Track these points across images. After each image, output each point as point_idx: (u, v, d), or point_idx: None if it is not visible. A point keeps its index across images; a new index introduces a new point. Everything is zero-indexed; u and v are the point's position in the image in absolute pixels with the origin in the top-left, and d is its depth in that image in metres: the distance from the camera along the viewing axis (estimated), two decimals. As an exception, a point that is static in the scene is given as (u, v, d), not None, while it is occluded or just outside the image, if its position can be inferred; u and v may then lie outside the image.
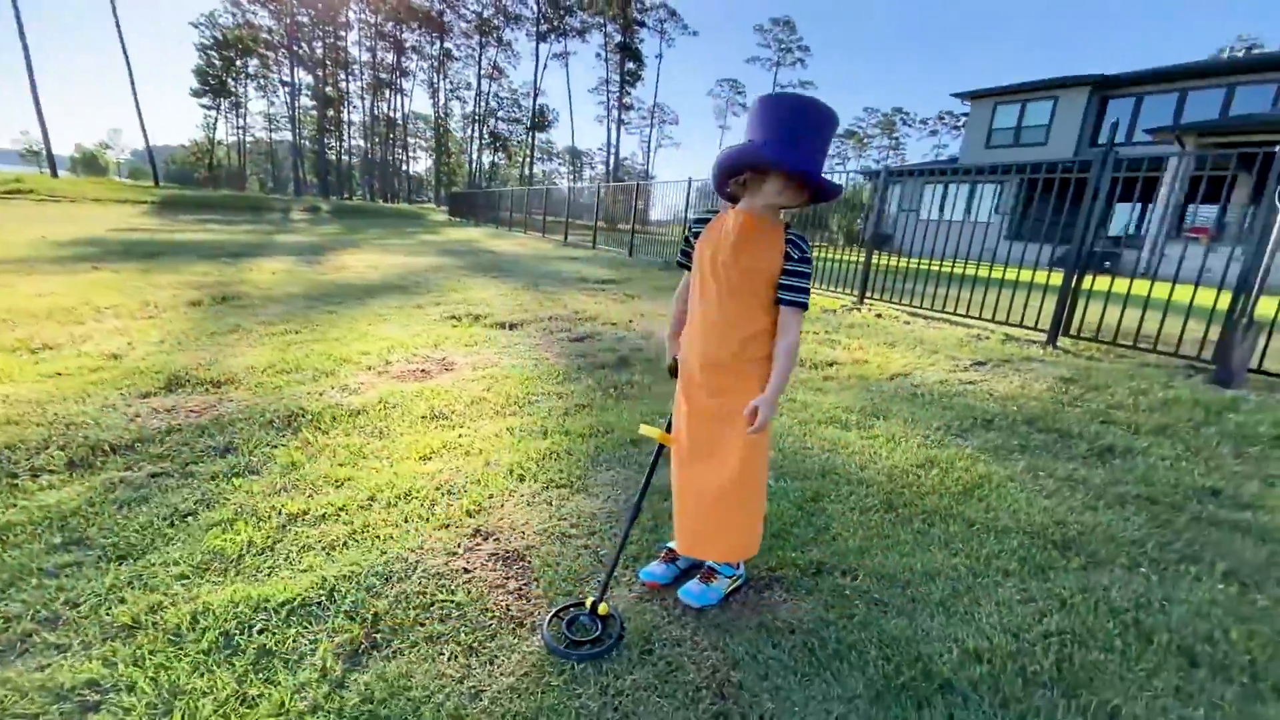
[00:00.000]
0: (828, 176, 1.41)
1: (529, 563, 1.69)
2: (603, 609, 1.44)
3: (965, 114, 23.79)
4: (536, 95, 49.88)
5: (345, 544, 1.77)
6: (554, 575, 1.63)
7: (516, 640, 1.40)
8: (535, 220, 16.60)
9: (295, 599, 1.52)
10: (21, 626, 1.40)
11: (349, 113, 50.11)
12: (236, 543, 1.75)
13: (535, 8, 47.17)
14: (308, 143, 49.55)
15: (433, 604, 1.52)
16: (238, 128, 52.85)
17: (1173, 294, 4.05)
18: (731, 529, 1.48)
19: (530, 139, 52.53)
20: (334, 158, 50.48)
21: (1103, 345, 4.25)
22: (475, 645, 1.39)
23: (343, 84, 48.21)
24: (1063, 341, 4.36)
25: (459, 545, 1.77)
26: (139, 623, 1.43)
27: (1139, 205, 17.12)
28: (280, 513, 1.92)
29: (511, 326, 4.64)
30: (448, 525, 1.88)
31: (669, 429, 1.59)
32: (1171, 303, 4.13)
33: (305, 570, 1.64)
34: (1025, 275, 6.47)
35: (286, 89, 46.43)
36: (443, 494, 2.07)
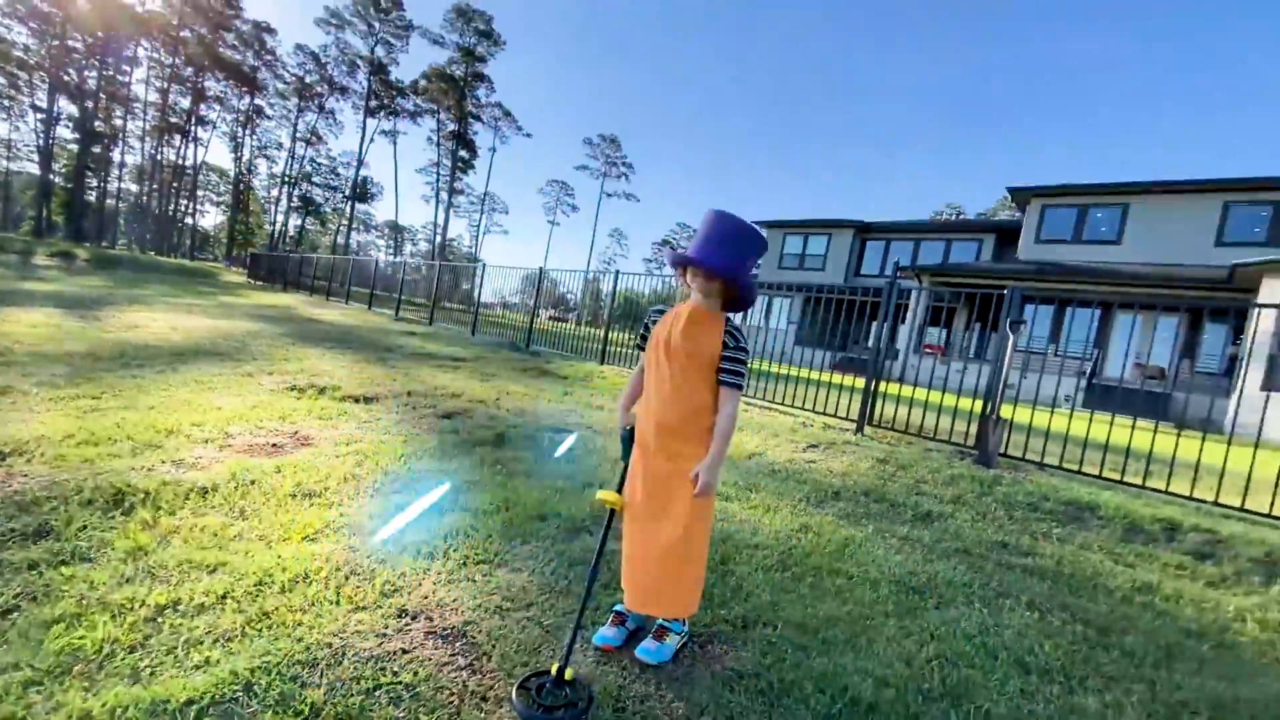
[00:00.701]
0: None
1: (472, 639, 1.63)
2: (569, 674, 1.45)
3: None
4: (360, 166, 48.06)
5: (244, 635, 1.55)
6: (504, 649, 1.60)
7: (484, 715, 1.36)
8: (357, 292, 15.63)
9: (203, 696, 1.31)
10: None
11: (122, 153, 43.51)
12: (94, 640, 1.46)
13: (365, 84, 46.37)
14: (59, 179, 41.68)
15: (377, 688, 1.41)
16: (-44, 151, 42.77)
17: (942, 398, 5.22)
18: (681, 585, 1.61)
19: (349, 209, 49.90)
20: (93, 199, 42.93)
21: (896, 433, 5.21)
22: (440, 724, 1.31)
23: (118, 120, 42.06)
24: (868, 430, 5.26)
25: (386, 627, 1.65)
26: None
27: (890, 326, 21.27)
28: (142, 604, 1.63)
29: (366, 400, 4.34)
30: (364, 608, 1.74)
31: (619, 492, 1.70)
32: (940, 404, 5.26)
33: (201, 666, 1.42)
34: (811, 374, 7.74)
35: (40, 115, 39.17)
36: (345, 575, 1.90)
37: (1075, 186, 17.46)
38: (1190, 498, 3.75)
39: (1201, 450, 3.91)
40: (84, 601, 1.61)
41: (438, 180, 50.99)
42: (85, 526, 2.03)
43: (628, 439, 1.72)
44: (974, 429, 4.92)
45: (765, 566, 2.24)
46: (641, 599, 1.62)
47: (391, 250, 56.99)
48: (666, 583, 1.60)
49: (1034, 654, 1.86)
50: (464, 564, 2.06)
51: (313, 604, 1.71)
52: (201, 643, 1.50)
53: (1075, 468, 4.29)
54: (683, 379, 1.63)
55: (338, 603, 1.74)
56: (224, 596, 1.71)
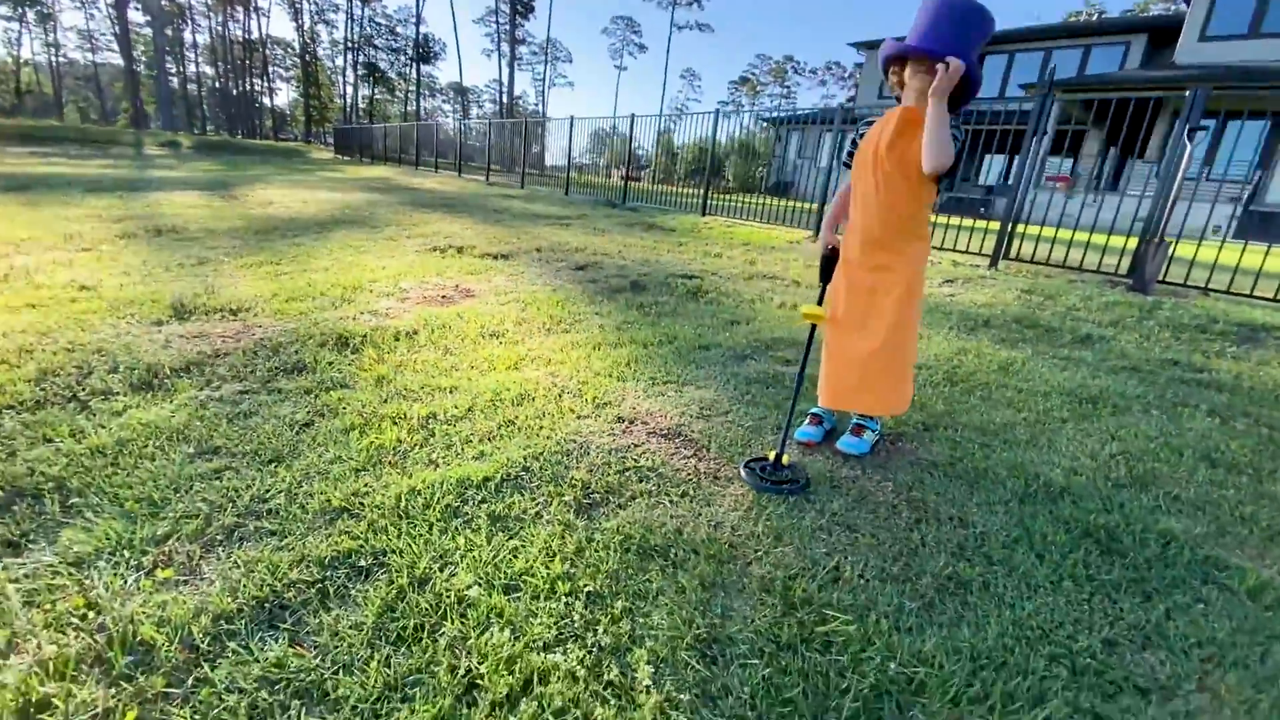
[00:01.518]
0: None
1: (688, 436, 1.89)
2: (785, 459, 1.68)
3: (858, 64, 25.00)
4: (419, 22, 46.10)
5: (501, 435, 1.87)
6: (719, 442, 1.85)
7: (719, 488, 1.62)
8: (442, 161, 15.76)
9: (496, 475, 1.63)
10: (221, 521, 1.42)
11: (193, 32, 43.79)
12: (390, 439, 1.81)
13: (412, -77, 42.94)
14: (142, 67, 42.88)
15: (625, 470, 1.69)
16: (48, 45, 44.60)
17: (1073, 234, 4.86)
18: (879, 387, 1.76)
19: (415, 71, 48.71)
20: (176, 85, 44.17)
21: (1035, 265, 4.96)
22: (687, 493, 1.59)
23: (182, -2, 41.89)
24: (1003, 264, 5.03)
25: (612, 429, 1.93)
26: (351, 507, 1.49)
27: (1006, 157, 19.13)
28: (409, 416, 1.97)
29: (504, 257, 4.61)
30: (586, 416, 2.02)
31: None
32: (1070, 240, 4.91)
33: (479, 457, 1.74)
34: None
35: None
36: (559, 393, 2.19)
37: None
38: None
39: None
40: (363, 414, 1.98)
41: (498, 29, 48.26)
42: (330, 363, 2.41)
43: (829, 258, 1.79)
44: (1121, 262, 4.61)
45: (933, 383, 2.36)
46: (843, 397, 1.79)
47: (459, 114, 55.88)
48: (865, 385, 1.75)
49: (1220, 451, 1.93)
50: (653, 383, 2.31)
51: (544, 414, 2.01)
52: (470, 441, 1.83)
53: (1247, 292, 4.00)
54: (888, 189, 1.64)
55: (562, 414, 2.03)
56: (469, 409, 2.04)
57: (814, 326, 1.79)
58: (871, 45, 23.05)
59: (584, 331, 2.94)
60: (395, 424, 1.92)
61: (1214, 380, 2.54)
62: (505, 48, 48.70)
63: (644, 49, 58.98)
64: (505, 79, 49.50)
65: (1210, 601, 1.29)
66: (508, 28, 47.97)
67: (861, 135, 1.73)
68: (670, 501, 1.55)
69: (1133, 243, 4.50)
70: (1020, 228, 5.18)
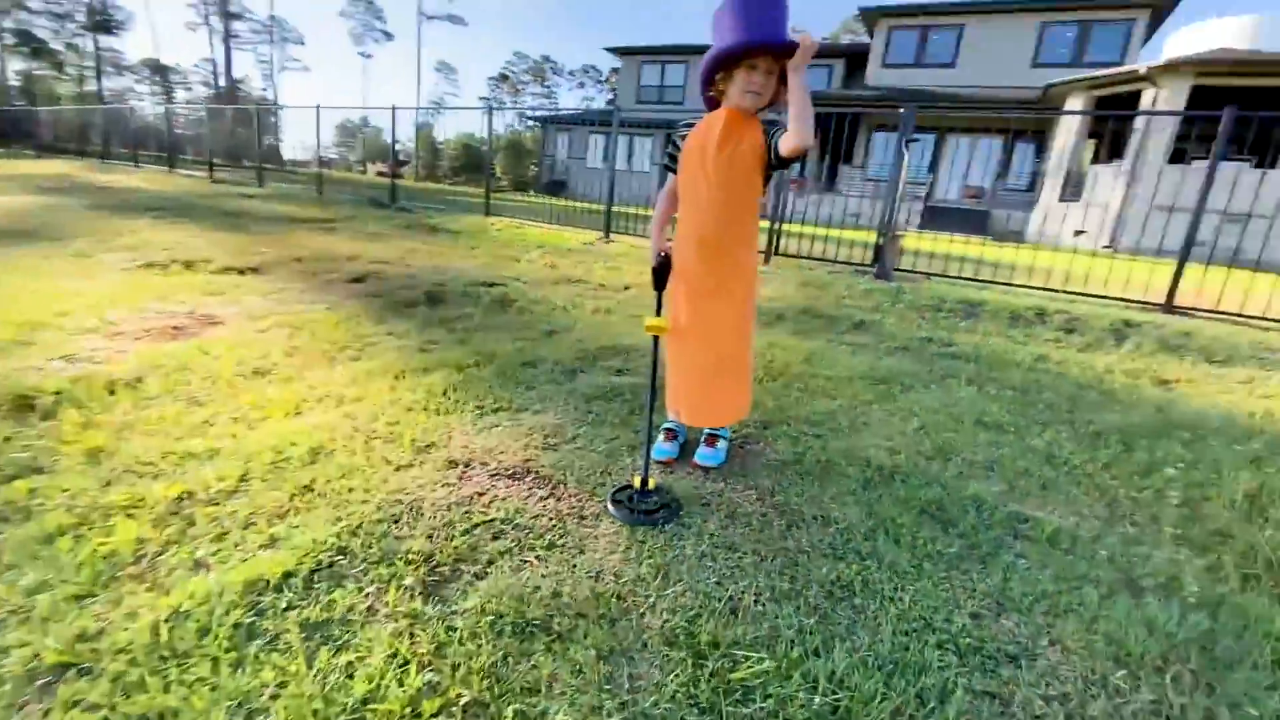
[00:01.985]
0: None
1: (538, 473, 1.67)
2: (651, 483, 1.56)
3: (614, 68, 26.21)
4: (90, -17, 37.08)
5: (297, 509, 1.47)
6: (576, 475, 1.66)
7: (589, 529, 1.45)
8: (142, 152, 12.86)
9: (301, 567, 1.26)
10: None
11: None
12: (123, 543, 1.31)
13: None
14: None
15: (474, 527, 1.43)
16: None
17: (814, 228, 5.68)
18: (732, 394, 1.74)
19: (93, 44, 39.17)
20: None
21: (797, 260, 5.60)
22: (554, 543, 1.39)
23: None
24: (774, 260, 5.60)
25: (445, 478, 1.63)
26: (79, 660, 1.03)
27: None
28: (149, 501, 1.46)
29: (253, 271, 3.81)
30: (408, 465, 1.69)
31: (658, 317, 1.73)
32: (813, 233, 5.72)
33: (274, 543, 1.34)
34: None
35: None
36: (364, 440, 1.81)
37: (919, 6, 17.96)
38: (1045, 288, 4.54)
39: (1036, 256, 4.67)
40: (75, 509, 1.42)
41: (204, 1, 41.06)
42: (8, 438, 1.71)
43: (663, 266, 1.71)
44: (856, 253, 5.44)
45: (757, 379, 2.45)
46: (698, 414, 1.73)
47: (162, 97, 46.35)
48: (719, 395, 1.71)
49: (987, 415, 2.29)
50: (481, 412, 2.03)
51: (350, 471, 1.63)
52: (253, 523, 1.40)
53: (955, 274, 4.96)
54: (721, 186, 1.60)
55: (375, 467, 1.67)
56: (242, 479, 1.57)
57: (657, 339, 1.70)
58: (628, 51, 24.34)
59: (379, 357, 2.52)
60: (131, 516, 1.40)
61: (961, 353, 3.06)
62: (216, 21, 41.65)
63: (389, 36, 54.80)
64: (221, 58, 42.41)
65: (1028, 555, 1.47)
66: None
67: (682, 137, 1.67)
68: (537, 558, 1.34)
69: (868, 236, 5.36)
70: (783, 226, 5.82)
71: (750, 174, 1.61)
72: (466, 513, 1.48)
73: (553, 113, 27.79)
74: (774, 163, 1.56)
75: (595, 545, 1.39)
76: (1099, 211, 12.22)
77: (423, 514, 1.46)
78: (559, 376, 2.38)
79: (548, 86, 69.94)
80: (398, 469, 1.67)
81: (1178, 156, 11.77)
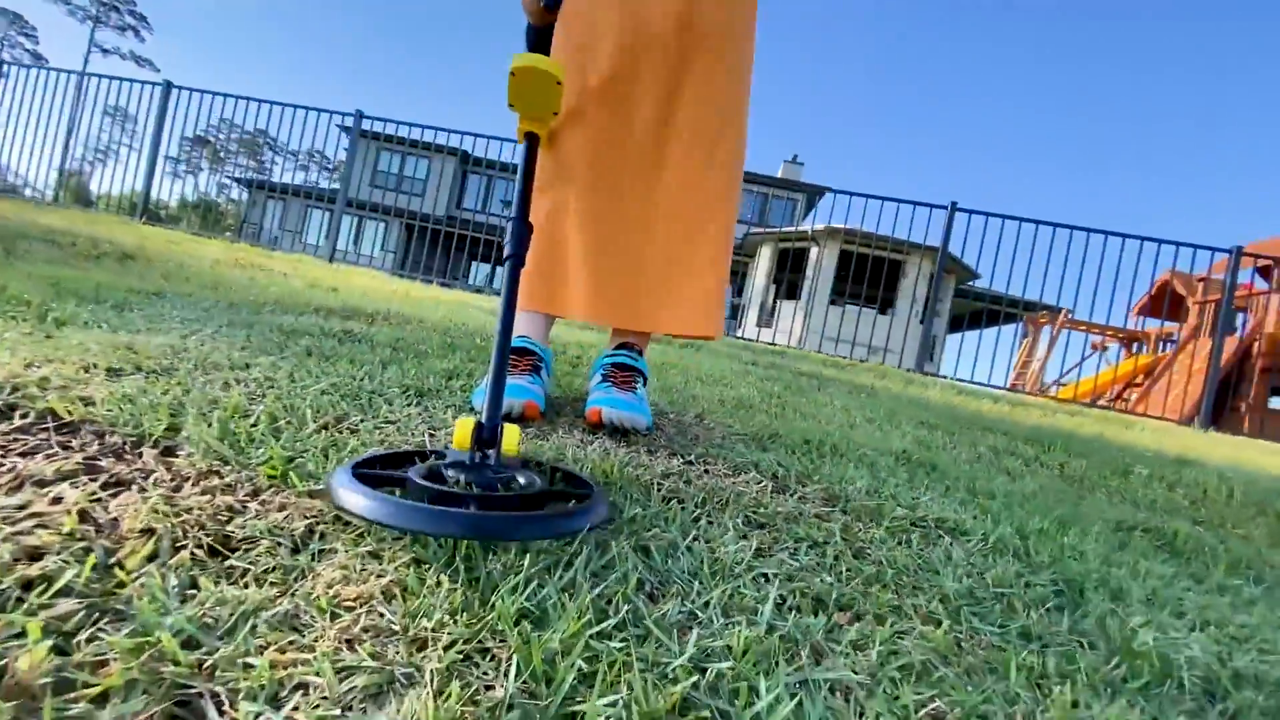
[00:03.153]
0: None
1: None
2: (512, 438, 0.73)
3: (346, 149, 24.62)
4: None
5: None
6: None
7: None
8: None
9: None
10: None
11: None
12: None
13: None
14: None
15: None
16: None
17: None
18: (705, 282, 1.18)
19: None
20: None
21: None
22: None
23: None
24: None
25: None
26: None
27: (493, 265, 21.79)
28: None
29: None
30: None
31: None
32: None
33: None
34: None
35: None
36: None
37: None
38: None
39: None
40: None
41: None
42: None
43: None
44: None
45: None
46: (634, 307, 1.15)
47: None
48: (686, 276, 1.16)
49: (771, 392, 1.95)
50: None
51: None
52: None
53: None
54: None
55: None
56: None
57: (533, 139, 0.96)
58: (361, 134, 23.11)
59: None
60: None
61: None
62: None
63: (42, 59, 44.13)
64: None
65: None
66: None
67: None
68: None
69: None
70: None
71: None
72: None
73: (264, 178, 24.59)
74: None
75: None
76: (784, 335, 14.72)
77: None
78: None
79: (260, 161, 63.02)
80: None
81: (835, 301, 14.97)
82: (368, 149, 23.16)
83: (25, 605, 0.40)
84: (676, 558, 0.65)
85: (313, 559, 0.52)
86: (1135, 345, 13.39)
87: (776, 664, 0.49)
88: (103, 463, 0.61)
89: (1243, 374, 11.19)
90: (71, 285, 1.60)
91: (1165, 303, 11.43)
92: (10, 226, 3.07)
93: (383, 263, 19.33)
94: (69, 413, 0.69)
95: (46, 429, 0.66)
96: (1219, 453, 3.30)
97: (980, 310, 12.75)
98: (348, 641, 0.42)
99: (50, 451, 0.61)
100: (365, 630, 0.44)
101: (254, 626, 0.42)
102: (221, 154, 61.62)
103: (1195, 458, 2.78)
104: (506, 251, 0.85)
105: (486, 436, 0.69)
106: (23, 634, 0.37)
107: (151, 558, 0.48)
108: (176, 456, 0.66)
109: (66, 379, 0.78)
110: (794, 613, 0.59)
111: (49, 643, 0.36)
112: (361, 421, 0.86)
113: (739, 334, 15.96)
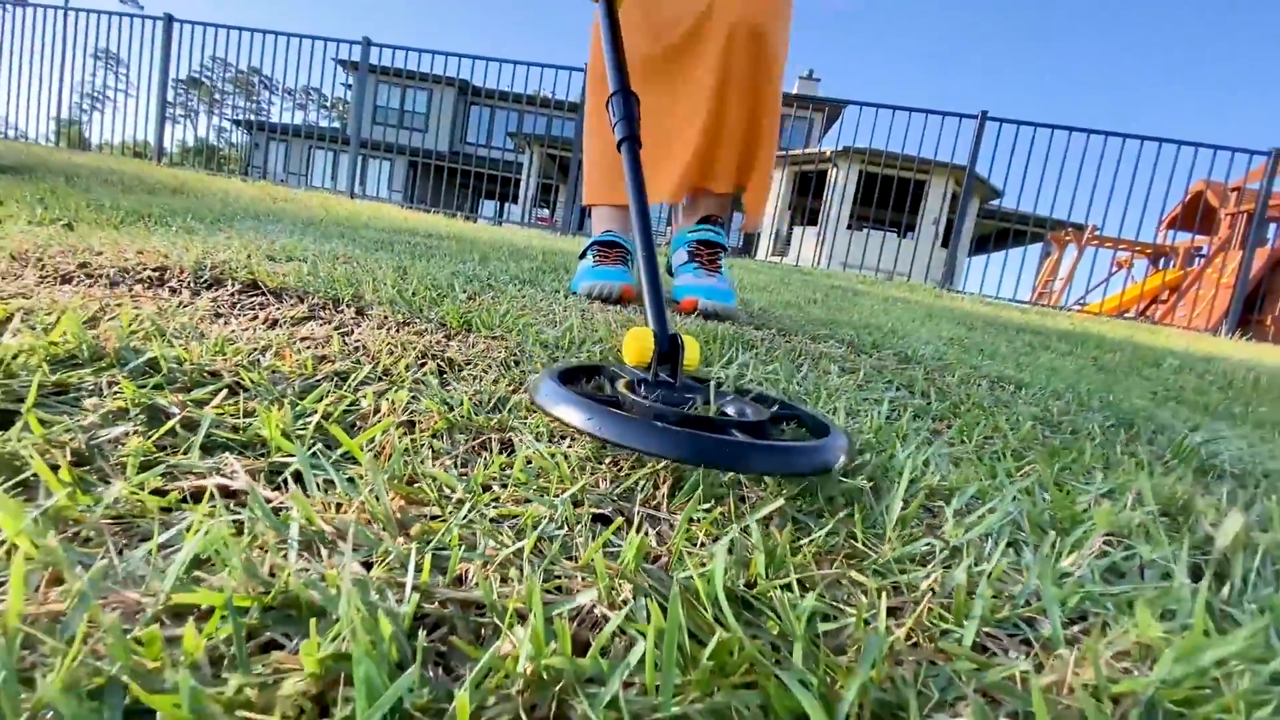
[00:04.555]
0: None
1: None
2: (693, 359, 0.68)
3: (346, 85, 23.93)
4: None
5: None
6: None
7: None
8: None
9: None
10: None
11: None
12: None
13: None
14: None
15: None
16: None
17: None
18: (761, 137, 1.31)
19: None
20: None
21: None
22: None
23: None
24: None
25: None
26: None
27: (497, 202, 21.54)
28: None
29: None
30: None
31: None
32: None
33: None
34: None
35: None
36: None
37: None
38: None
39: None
40: None
41: None
42: None
43: None
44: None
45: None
46: (720, 167, 1.27)
47: None
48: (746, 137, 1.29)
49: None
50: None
51: None
52: None
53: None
54: None
55: None
56: None
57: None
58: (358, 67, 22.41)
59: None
60: None
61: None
62: None
63: (25, 4, 42.58)
64: None
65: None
66: None
67: None
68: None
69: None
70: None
71: None
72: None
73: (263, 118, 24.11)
74: None
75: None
76: (802, 263, 14.65)
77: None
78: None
79: (257, 102, 61.45)
80: None
81: (853, 225, 14.76)
82: (367, 84, 22.57)
83: (349, 383, 0.54)
84: (793, 385, 0.78)
85: (523, 375, 0.65)
86: (1162, 261, 13.18)
87: (904, 437, 0.62)
88: (320, 315, 0.74)
89: (1272, 286, 11.06)
90: (159, 209, 1.71)
91: (1197, 215, 11.19)
92: (54, 163, 3.16)
93: (390, 202, 19.23)
94: (270, 282, 0.82)
95: (261, 292, 0.79)
96: (1244, 353, 3.39)
97: (1002, 230, 12.56)
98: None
99: (276, 305, 0.74)
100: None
101: (511, 406, 0.56)
102: (216, 96, 60.10)
103: (1222, 355, 2.88)
104: (618, 135, 0.82)
105: (666, 350, 0.62)
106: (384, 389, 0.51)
107: (407, 368, 0.61)
108: (369, 315, 0.78)
109: (242, 262, 0.91)
110: (901, 419, 0.72)
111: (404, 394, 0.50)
112: (494, 298, 0.98)
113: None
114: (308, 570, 0.28)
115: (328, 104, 56.31)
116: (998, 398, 0.92)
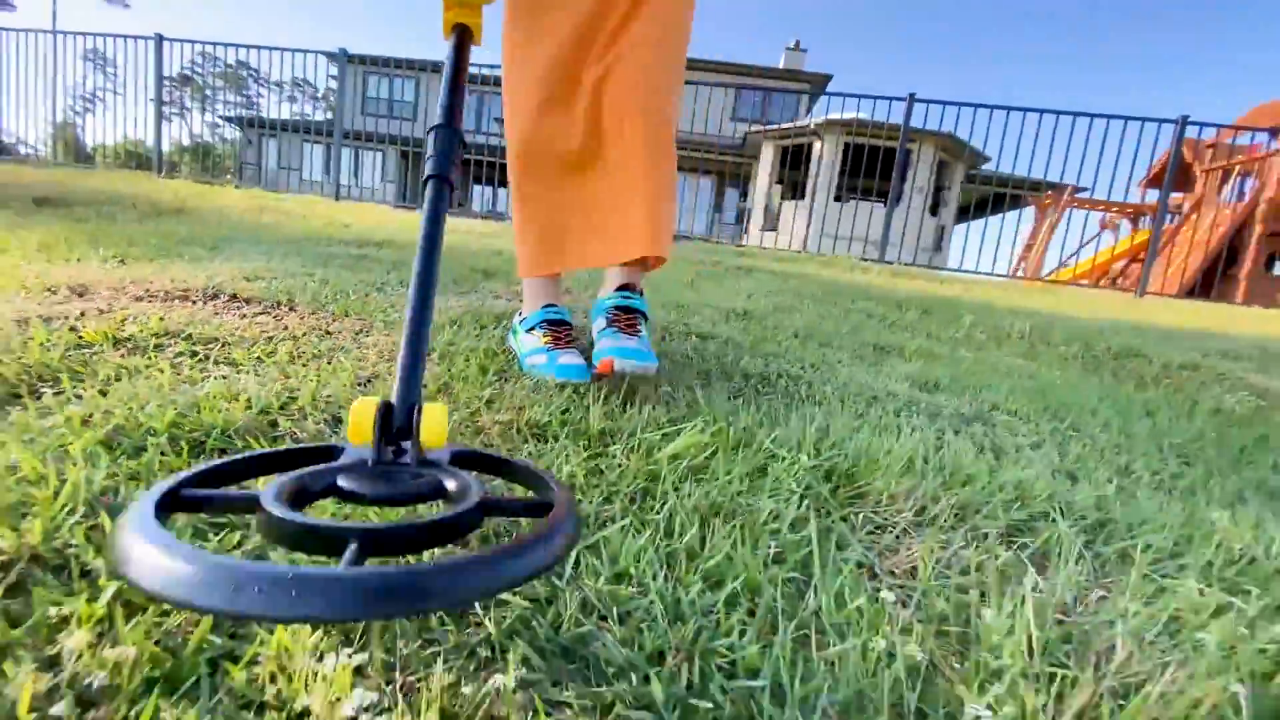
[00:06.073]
0: None
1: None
2: (434, 432, 0.54)
3: (333, 76, 24.53)
4: None
5: None
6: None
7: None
8: None
9: None
10: None
11: None
12: None
13: None
14: None
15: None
16: None
17: None
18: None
19: None
20: None
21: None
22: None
23: None
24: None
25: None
26: None
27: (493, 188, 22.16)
28: None
29: None
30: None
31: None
32: None
33: None
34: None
35: None
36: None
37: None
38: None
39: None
40: None
41: None
42: None
43: None
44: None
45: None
46: (661, 234, 1.18)
47: None
48: (671, 202, 1.22)
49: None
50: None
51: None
52: None
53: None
54: None
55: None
56: None
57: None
58: (349, 59, 22.97)
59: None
60: None
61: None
62: None
63: (10, 7, 43.43)
64: None
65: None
66: None
67: None
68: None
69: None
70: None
71: None
72: (183, 305, 1.33)
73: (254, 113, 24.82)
74: None
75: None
76: (787, 238, 15.20)
77: (121, 303, 1.28)
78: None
79: (246, 96, 62.05)
80: (75, 289, 1.42)
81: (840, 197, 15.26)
82: (355, 74, 23.15)
83: (273, 341, 1.25)
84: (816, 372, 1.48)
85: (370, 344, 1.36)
86: (1141, 220, 13.61)
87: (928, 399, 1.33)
88: (270, 311, 1.46)
89: (1244, 241, 11.50)
90: (172, 238, 2.44)
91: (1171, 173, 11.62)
92: (79, 193, 3.89)
93: (384, 194, 19.91)
94: (243, 294, 1.54)
95: (239, 300, 1.50)
96: (1109, 313, 4.03)
97: (989, 195, 13.01)
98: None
99: (246, 307, 1.46)
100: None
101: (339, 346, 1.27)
102: (206, 91, 60.80)
103: (1047, 311, 3.54)
104: (427, 171, 0.74)
105: (401, 423, 0.53)
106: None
107: (304, 334, 1.32)
108: (295, 309, 1.50)
109: (228, 283, 1.63)
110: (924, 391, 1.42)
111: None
112: (368, 297, 1.70)
113: (744, 241, 16.45)
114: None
115: (318, 95, 56.65)
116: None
